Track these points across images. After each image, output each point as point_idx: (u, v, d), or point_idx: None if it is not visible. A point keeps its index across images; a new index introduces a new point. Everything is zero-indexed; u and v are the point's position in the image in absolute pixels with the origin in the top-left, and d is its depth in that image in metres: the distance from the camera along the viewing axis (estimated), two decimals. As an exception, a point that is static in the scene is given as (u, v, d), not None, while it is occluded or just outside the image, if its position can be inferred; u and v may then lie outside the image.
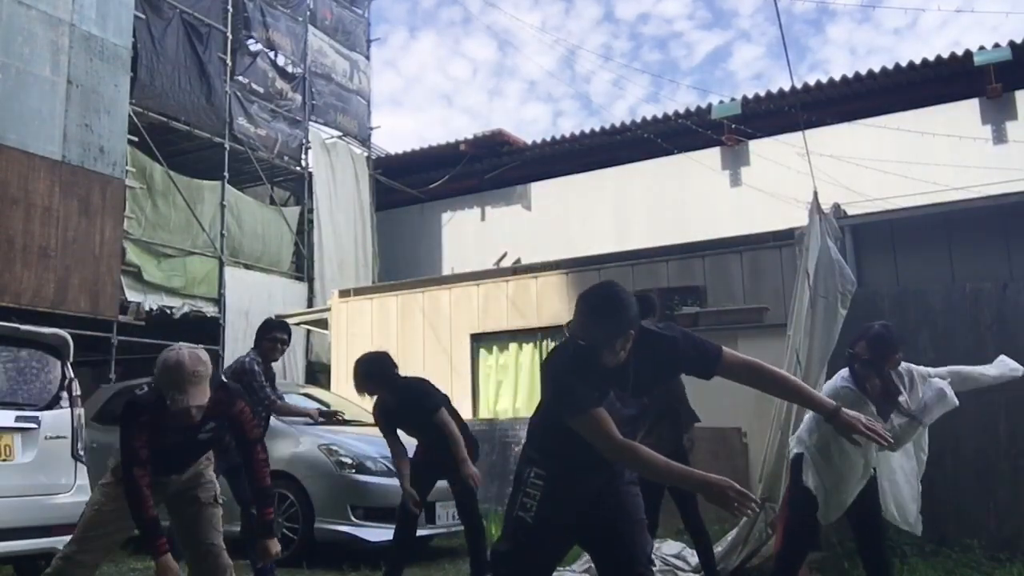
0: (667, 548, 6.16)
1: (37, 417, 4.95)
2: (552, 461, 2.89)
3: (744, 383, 2.88)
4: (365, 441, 6.77)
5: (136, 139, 10.84)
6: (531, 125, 53.81)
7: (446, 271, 13.62)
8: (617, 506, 2.87)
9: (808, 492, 4.01)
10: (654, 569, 5.62)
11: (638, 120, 13.39)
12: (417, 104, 51.36)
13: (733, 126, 12.25)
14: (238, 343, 11.43)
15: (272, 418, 6.77)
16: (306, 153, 14.23)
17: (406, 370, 5.49)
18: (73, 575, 3.50)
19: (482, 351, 9.80)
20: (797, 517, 4.15)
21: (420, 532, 6.27)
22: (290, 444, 6.62)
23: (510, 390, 9.64)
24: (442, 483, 5.36)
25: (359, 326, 10.58)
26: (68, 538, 4.83)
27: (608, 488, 2.87)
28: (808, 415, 4.20)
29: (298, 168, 14.18)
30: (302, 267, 13.95)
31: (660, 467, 2.68)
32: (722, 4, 43.03)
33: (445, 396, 5.37)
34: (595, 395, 2.68)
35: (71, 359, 5.37)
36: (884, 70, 11.36)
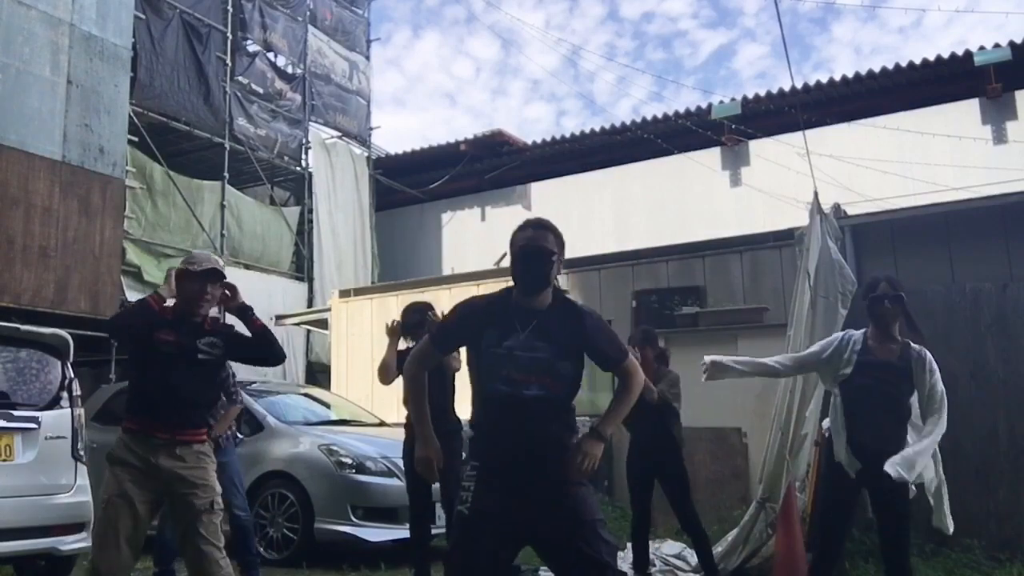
0: (667, 548, 6.16)
1: (37, 417, 4.95)
2: (480, 443, 2.92)
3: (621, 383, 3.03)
4: (365, 441, 6.77)
5: (136, 139, 10.84)
6: (534, 124, 53.83)
7: (446, 271, 13.61)
8: (568, 511, 2.77)
9: (840, 467, 3.92)
10: (654, 570, 5.65)
11: (641, 120, 13.39)
12: (420, 103, 51.40)
13: (733, 126, 12.25)
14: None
15: (272, 419, 6.79)
16: (306, 153, 14.23)
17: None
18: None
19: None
20: (828, 494, 4.07)
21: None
22: (290, 444, 6.62)
23: (510, 390, 9.62)
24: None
25: (359, 326, 10.57)
26: (68, 538, 4.88)
27: (554, 496, 2.77)
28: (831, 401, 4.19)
29: (298, 168, 14.18)
30: (302, 267, 13.95)
31: (413, 401, 3.14)
32: (727, 3, 43.07)
33: None
34: (460, 333, 2.99)
35: (71, 359, 5.37)
36: (884, 70, 11.36)
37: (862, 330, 4.05)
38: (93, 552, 3.53)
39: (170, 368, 3.56)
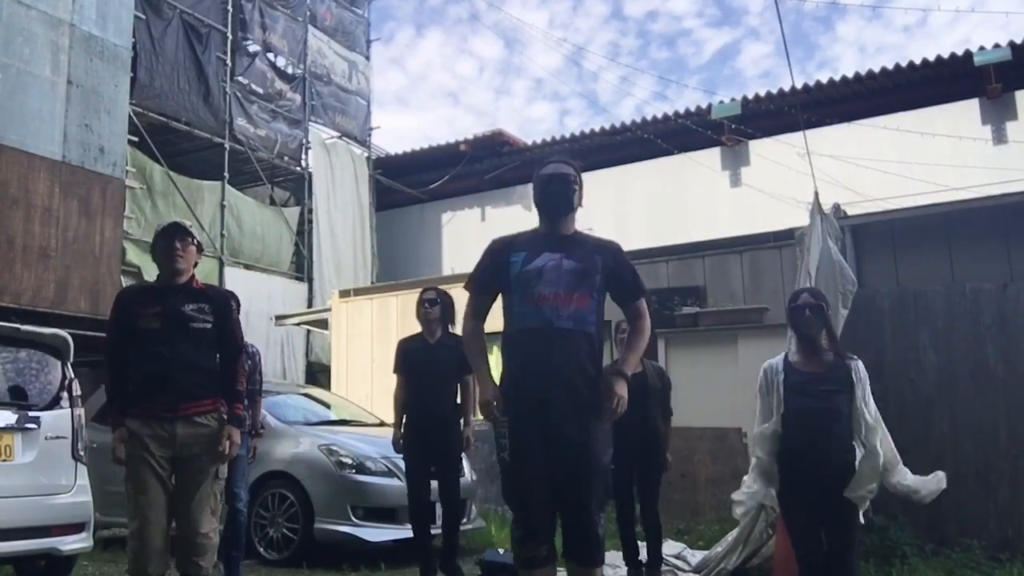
0: (667, 548, 6.15)
1: (37, 417, 4.94)
2: (511, 392, 3.02)
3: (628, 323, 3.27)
4: (365, 441, 6.77)
5: (136, 139, 10.84)
6: (537, 124, 53.82)
7: (446, 271, 13.61)
8: (581, 448, 2.94)
9: (799, 492, 3.80)
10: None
11: (641, 120, 13.38)
12: (423, 103, 51.37)
13: (733, 126, 12.25)
14: (238, 343, 11.41)
15: (272, 419, 6.78)
16: (306, 153, 14.23)
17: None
18: (154, 545, 3.42)
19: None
20: (793, 521, 3.94)
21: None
22: (290, 444, 6.62)
23: (510, 390, 9.62)
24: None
25: (359, 326, 10.57)
26: (68, 538, 4.87)
27: (578, 438, 2.94)
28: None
29: (298, 168, 14.18)
30: (302, 267, 13.95)
31: (471, 353, 3.26)
32: (731, 1, 43.02)
33: None
34: (491, 266, 3.16)
35: (71, 359, 5.36)
36: (884, 70, 11.35)
37: (780, 355, 3.95)
38: (132, 526, 3.46)
39: (162, 340, 3.49)
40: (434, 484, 5.37)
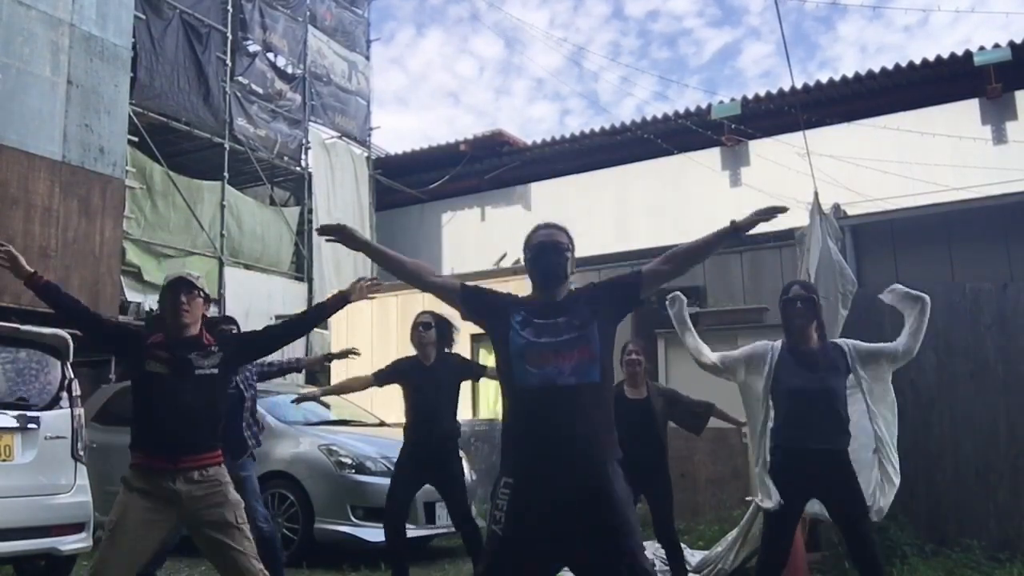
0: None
1: (37, 417, 4.95)
2: (511, 451, 2.80)
3: (671, 277, 3.21)
4: (365, 441, 6.77)
5: (136, 139, 10.84)
6: (538, 124, 53.76)
7: (446, 271, 13.62)
8: (610, 533, 2.63)
9: (788, 478, 3.88)
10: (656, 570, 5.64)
11: (641, 120, 13.39)
12: (423, 102, 51.31)
13: (733, 126, 12.25)
14: (238, 343, 11.42)
15: (272, 419, 6.78)
16: (306, 153, 14.23)
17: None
18: None
19: (482, 351, 9.79)
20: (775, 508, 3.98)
21: (420, 532, 6.28)
22: (290, 444, 6.62)
23: (510, 390, 9.63)
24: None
25: (359, 326, 10.58)
26: (68, 538, 4.87)
27: (594, 510, 2.65)
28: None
29: (298, 168, 14.18)
30: (302, 267, 13.95)
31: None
32: (732, 1, 43.00)
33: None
34: (489, 300, 3.00)
35: (71, 359, 5.36)
36: (884, 70, 11.36)
37: (779, 340, 4.05)
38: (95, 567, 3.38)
39: (166, 388, 3.45)
40: (429, 487, 5.36)
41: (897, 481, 4.09)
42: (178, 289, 3.59)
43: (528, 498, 2.67)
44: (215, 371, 3.57)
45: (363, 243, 3.15)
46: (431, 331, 5.24)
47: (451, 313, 3.29)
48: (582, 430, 2.70)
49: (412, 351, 5.32)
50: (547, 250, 2.97)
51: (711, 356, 4.30)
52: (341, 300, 3.80)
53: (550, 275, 2.96)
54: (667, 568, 5.54)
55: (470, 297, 3.02)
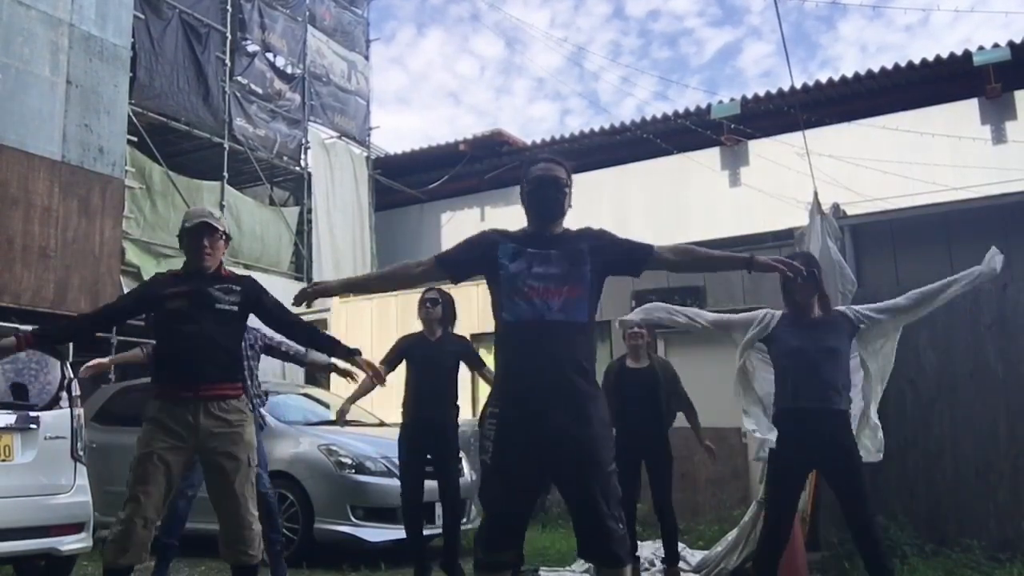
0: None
1: (37, 417, 4.94)
2: (501, 388, 2.93)
3: (673, 269, 3.24)
4: (365, 441, 6.77)
5: (135, 139, 10.83)
6: (538, 124, 53.80)
7: (446, 271, 13.61)
8: (587, 453, 2.77)
9: (789, 446, 3.92)
10: (654, 570, 5.64)
11: (640, 119, 13.38)
12: (424, 102, 51.32)
13: (732, 126, 12.25)
14: (238, 343, 11.42)
15: (272, 419, 6.78)
16: (305, 153, 14.22)
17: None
18: (138, 537, 3.34)
19: (482, 351, 9.77)
20: (777, 477, 4.03)
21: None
22: (290, 444, 6.62)
23: (510, 390, 9.63)
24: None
25: (359, 326, 10.58)
26: (67, 538, 4.87)
27: (575, 433, 2.77)
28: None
29: (297, 168, 14.16)
30: (301, 267, 13.94)
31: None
32: (733, 1, 43.01)
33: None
34: (470, 254, 3.04)
35: (71, 359, 5.36)
36: (883, 70, 11.35)
37: (781, 310, 4.14)
38: (128, 508, 3.38)
39: (186, 320, 3.49)
40: (432, 484, 5.37)
41: (880, 436, 4.21)
42: (201, 234, 3.62)
43: (514, 427, 2.81)
44: (235, 308, 3.60)
45: (341, 286, 3.23)
46: (438, 307, 5.31)
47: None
48: (568, 364, 2.80)
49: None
50: (546, 184, 2.96)
51: (706, 316, 4.51)
52: (339, 351, 3.71)
53: (547, 210, 2.97)
54: (665, 567, 5.55)
55: (448, 264, 3.08)
